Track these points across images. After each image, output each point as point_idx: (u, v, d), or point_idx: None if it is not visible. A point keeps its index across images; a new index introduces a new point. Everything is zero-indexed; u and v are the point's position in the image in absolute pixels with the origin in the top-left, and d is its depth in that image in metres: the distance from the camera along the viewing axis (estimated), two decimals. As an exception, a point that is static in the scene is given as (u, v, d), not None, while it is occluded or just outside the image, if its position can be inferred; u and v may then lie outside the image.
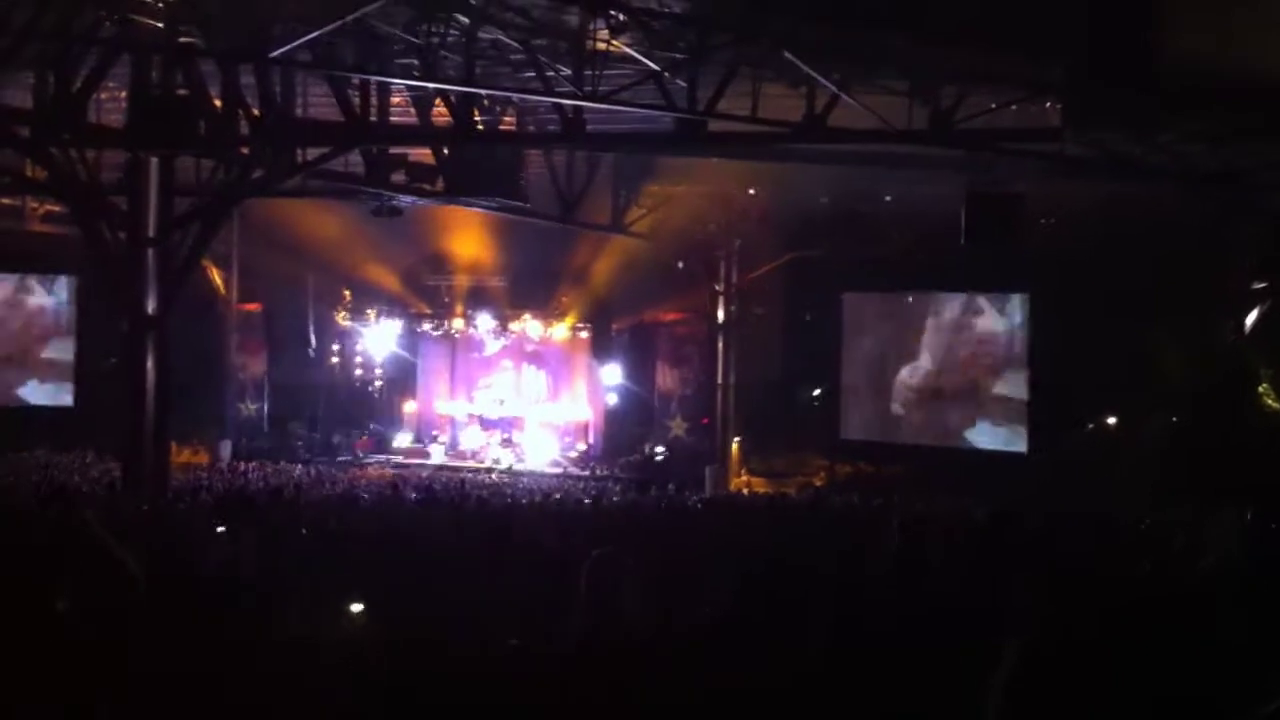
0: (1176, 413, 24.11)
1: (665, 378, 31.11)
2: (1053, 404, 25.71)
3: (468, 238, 29.24)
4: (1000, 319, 27.39)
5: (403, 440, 32.25)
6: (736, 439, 29.35)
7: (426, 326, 32.43)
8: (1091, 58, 11.10)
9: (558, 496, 22.78)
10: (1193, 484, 18.19)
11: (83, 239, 18.38)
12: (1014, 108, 15.08)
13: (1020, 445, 26.42)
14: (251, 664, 6.84)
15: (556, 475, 29.19)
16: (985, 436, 27.27)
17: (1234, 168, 14.24)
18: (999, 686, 3.71)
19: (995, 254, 20.47)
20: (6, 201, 26.60)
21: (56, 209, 25.39)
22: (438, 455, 31.17)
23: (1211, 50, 10.49)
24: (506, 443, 31.33)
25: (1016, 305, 27.02)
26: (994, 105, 14.79)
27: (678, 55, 15.55)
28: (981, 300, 27.58)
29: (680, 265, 28.74)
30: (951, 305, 28.07)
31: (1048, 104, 15.02)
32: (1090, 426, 26.39)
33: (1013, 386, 26.96)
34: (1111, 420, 26.18)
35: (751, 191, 23.59)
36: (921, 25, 12.17)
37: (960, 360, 27.79)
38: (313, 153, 18.91)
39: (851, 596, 7.58)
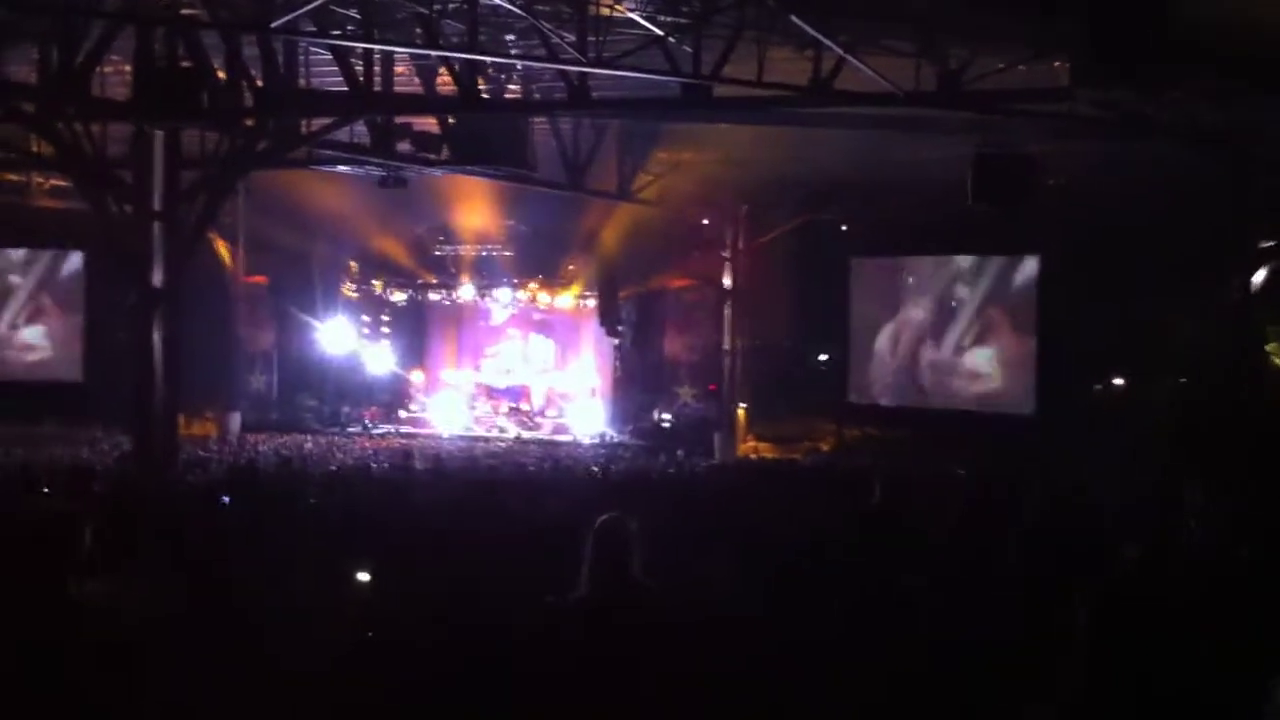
0: (1185, 374, 24.05)
1: (673, 344, 31.12)
2: (1062, 366, 25.66)
3: (474, 207, 29.18)
4: (1010, 281, 27.31)
5: (412, 410, 32.31)
6: (743, 405, 29.35)
7: (433, 296, 32.43)
8: (1098, 14, 11.02)
9: (566, 464, 22.84)
10: (1199, 451, 18.17)
11: (89, 213, 18.37)
12: (1022, 68, 14.97)
13: (1029, 408, 26.38)
14: (259, 637, 6.87)
15: (565, 443, 29.23)
16: (994, 399, 27.23)
17: (1243, 125, 14.16)
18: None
19: (1006, 216, 20.41)
20: (12, 177, 26.58)
21: (63, 183, 25.38)
22: (446, 424, 31.22)
23: (1221, 6, 10.40)
24: (514, 411, 31.37)
25: (1026, 267, 26.92)
26: (1002, 66, 14.68)
27: (682, 19, 15.47)
28: (991, 263, 27.51)
29: (704, 222, 28.62)
30: (961, 268, 28.01)
31: (1056, 64, 14.91)
32: (1098, 388, 26.34)
33: (1022, 349, 26.91)
34: (1119, 382, 26.13)
35: (759, 156, 23.46)
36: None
37: (970, 323, 27.74)
38: (317, 124, 18.87)
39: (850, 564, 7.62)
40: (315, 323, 31.76)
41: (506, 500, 12.31)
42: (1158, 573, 6.17)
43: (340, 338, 31.81)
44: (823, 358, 30.38)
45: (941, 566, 7.45)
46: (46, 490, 10.75)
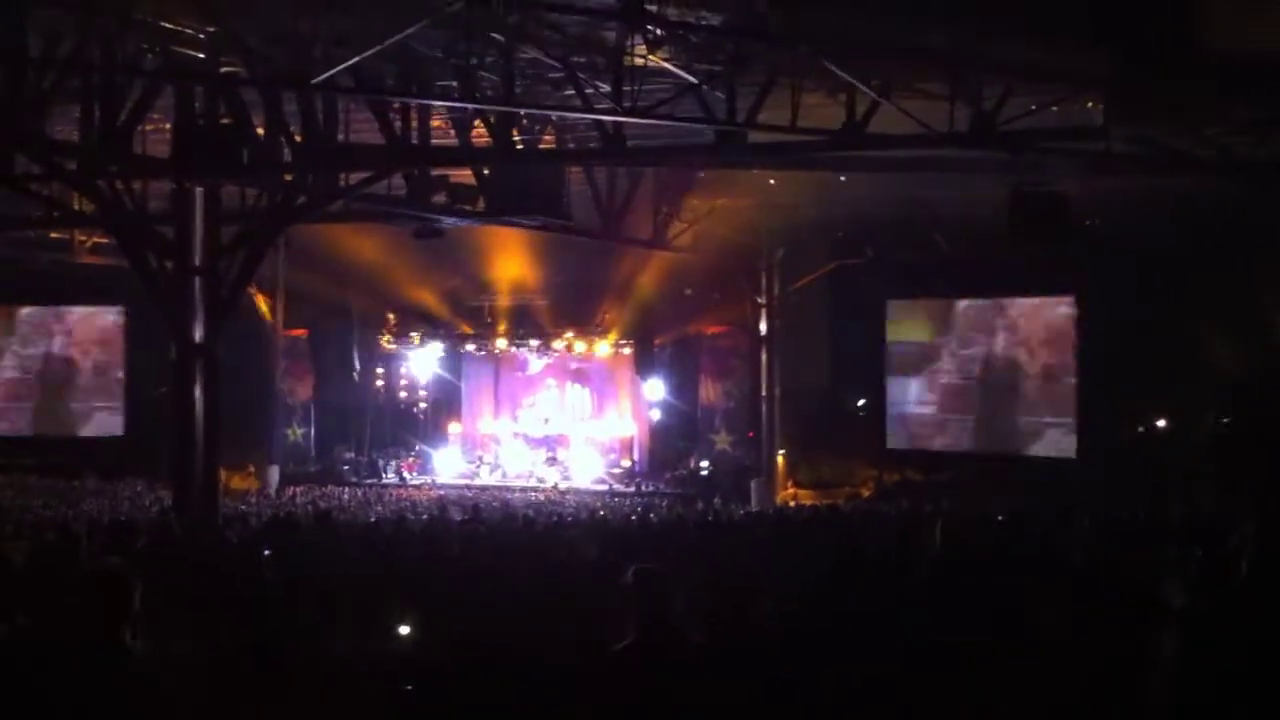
0: (1227, 412, 23.83)
1: (709, 391, 31.08)
2: (1102, 407, 25.46)
3: (509, 257, 29.32)
4: (1047, 321, 27.15)
5: (448, 461, 32.34)
6: (782, 451, 29.23)
7: (470, 347, 32.54)
8: (1133, 51, 11.01)
9: (604, 514, 22.76)
10: (1243, 486, 17.97)
11: (130, 269, 18.55)
12: (1055, 109, 14.95)
13: (1070, 450, 26.15)
14: (306, 685, 6.87)
15: (602, 492, 29.17)
16: (1034, 441, 27.02)
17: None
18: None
19: (1041, 255, 20.33)
20: (56, 234, 26.94)
21: (105, 240, 25.69)
22: (484, 476, 31.28)
23: (1255, 38, 10.38)
24: (551, 461, 31.36)
25: (1063, 307, 26.77)
26: (1035, 106, 14.66)
27: (715, 67, 15.53)
28: (1027, 303, 27.37)
29: (738, 268, 28.57)
30: (997, 309, 27.89)
31: (1090, 103, 14.89)
32: (1141, 429, 26.12)
33: (1061, 390, 26.71)
34: (1161, 423, 25.90)
35: (793, 201, 23.50)
36: (961, 21, 12.08)
37: (1007, 364, 27.58)
38: (355, 176, 19.02)
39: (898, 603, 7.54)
40: (353, 374, 31.96)
41: (545, 549, 12.28)
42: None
43: (378, 389, 31.97)
44: (861, 402, 30.24)
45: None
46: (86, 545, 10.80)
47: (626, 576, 5.55)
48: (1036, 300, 27.18)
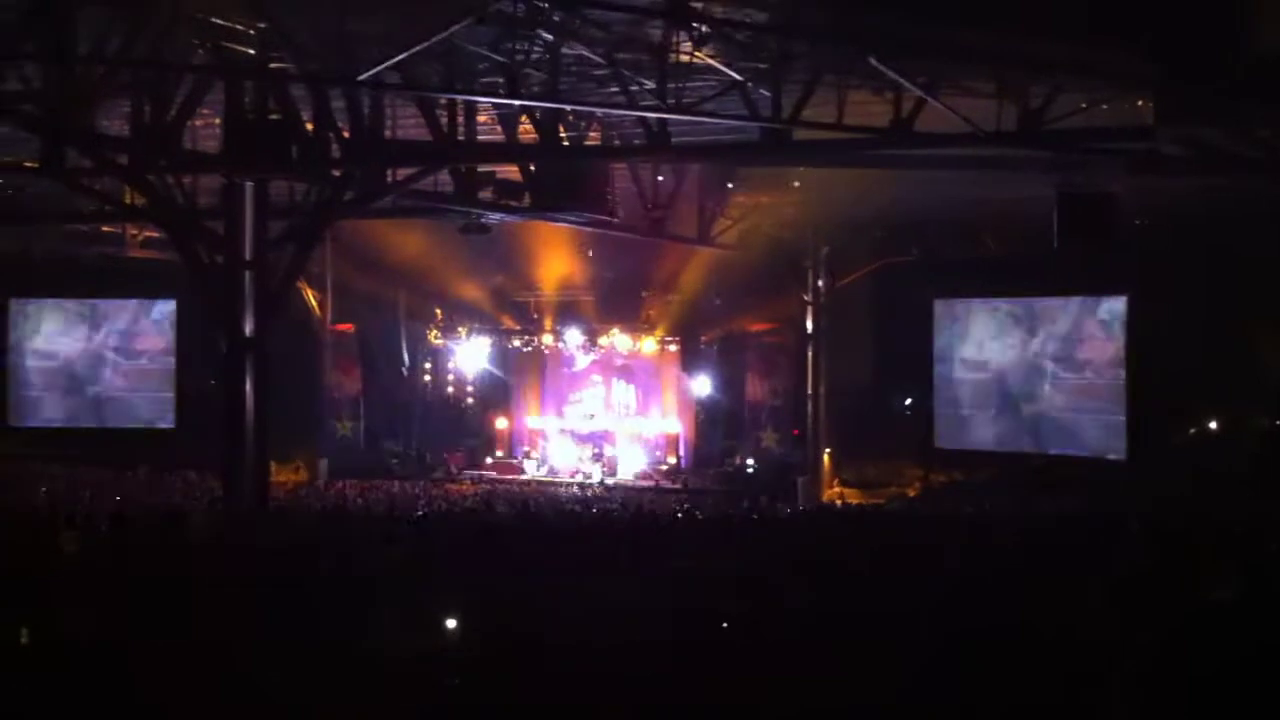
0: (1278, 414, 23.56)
1: (755, 389, 31.01)
2: (1153, 409, 25.20)
3: (555, 253, 29.40)
4: (1097, 322, 26.89)
5: (495, 455, 32.48)
6: (828, 449, 29.14)
7: (516, 342, 32.65)
8: (1182, 51, 10.90)
9: (650, 510, 22.79)
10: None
11: (181, 263, 18.75)
12: (1105, 107, 14.82)
13: (1120, 451, 25.88)
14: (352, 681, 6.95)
15: (648, 488, 29.19)
16: (1083, 442, 26.77)
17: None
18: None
19: (1090, 255, 20.15)
20: (107, 229, 27.27)
21: (155, 234, 25.98)
22: (530, 470, 31.41)
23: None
24: (597, 457, 31.43)
25: (1114, 308, 26.50)
26: (1084, 105, 14.54)
27: (761, 65, 15.51)
28: (1077, 303, 27.11)
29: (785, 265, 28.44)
30: (1047, 309, 27.63)
31: (1139, 102, 14.74)
32: (1192, 431, 25.84)
33: (1111, 391, 26.44)
34: (1213, 425, 25.61)
35: (839, 198, 23.40)
36: (1010, 19, 12.00)
37: (1056, 365, 27.33)
38: (402, 172, 19.14)
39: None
40: (401, 369, 32.15)
41: (592, 543, 12.34)
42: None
43: (426, 384, 32.14)
44: (908, 401, 30.09)
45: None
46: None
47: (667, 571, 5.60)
48: (1085, 300, 26.90)
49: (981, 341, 28.37)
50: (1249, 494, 18.56)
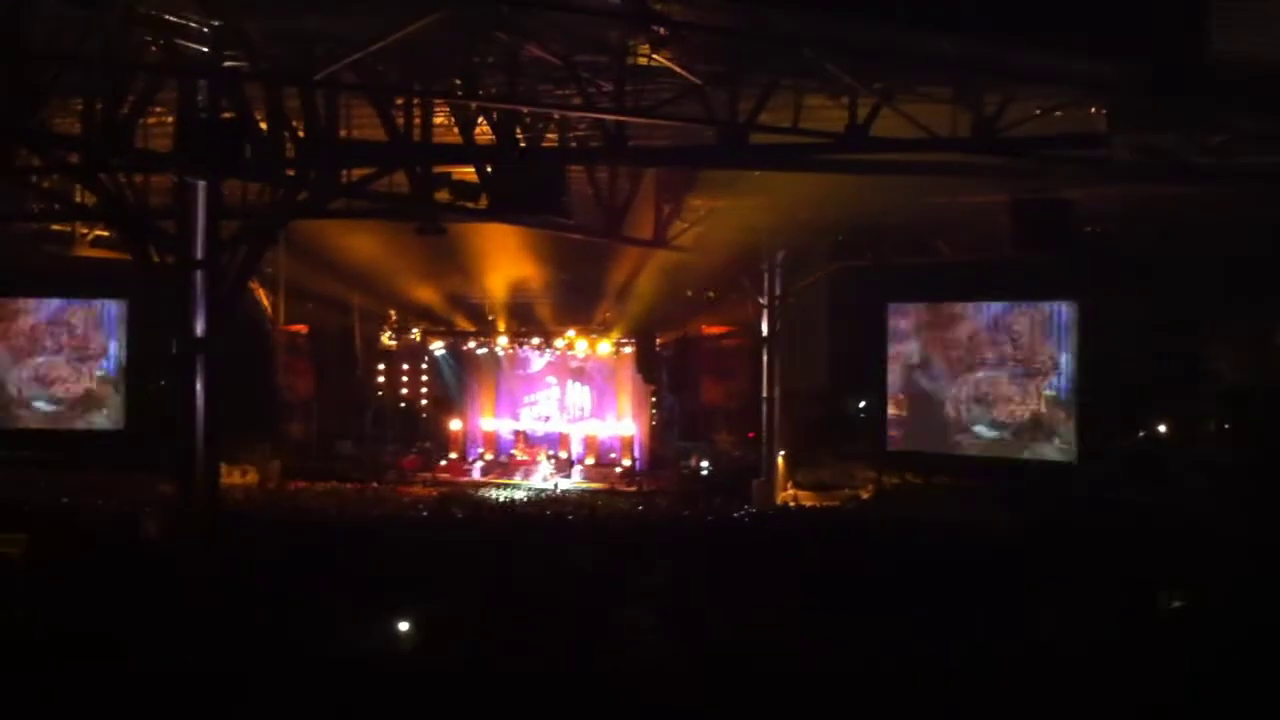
0: (1227, 419, 23.83)
1: (711, 391, 31.05)
2: (1102, 413, 25.46)
3: (511, 255, 29.30)
4: (1047, 327, 27.12)
5: (448, 458, 32.33)
6: (783, 452, 29.23)
7: (471, 344, 32.54)
8: (1138, 58, 11.00)
9: (603, 514, 22.79)
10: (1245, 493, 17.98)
11: (131, 263, 18.53)
12: (1059, 114, 14.93)
13: (1070, 455, 26.14)
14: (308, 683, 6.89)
15: (603, 491, 29.16)
16: (1033, 446, 27.01)
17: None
18: None
19: (1042, 261, 20.32)
20: (56, 227, 26.92)
21: (105, 233, 25.68)
22: (482, 473, 31.30)
23: (1264, 48, 10.37)
24: (552, 459, 31.37)
25: (1064, 313, 26.74)
26: (1039, 111, 14.64)
27: (719, 68, 15.51)
28: (1028, 309, 27.34)
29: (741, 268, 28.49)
30: (997, 314, 27.85)
31: (1093, 109, 14.86)
32: (1141, 435, 26.11)
33: (1061, 396, 26.69)
34: (1162, 428, 25.88)
35: (795, 203, 23.46)
36: (963, 25, 12.06)
37: (1007, 370, 27.56)
38: (357, 173, 19.00)
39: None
40: (354, 371, 31.95)
41: (545, 547, 12.31)
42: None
43: (379, 385, 31.95)
44: (861, 405, 30.25)
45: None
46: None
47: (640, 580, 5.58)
48: (1037, 305, 27.14)
49: (933, 346, 28.56)
50: (1198, 496, 18.80)
